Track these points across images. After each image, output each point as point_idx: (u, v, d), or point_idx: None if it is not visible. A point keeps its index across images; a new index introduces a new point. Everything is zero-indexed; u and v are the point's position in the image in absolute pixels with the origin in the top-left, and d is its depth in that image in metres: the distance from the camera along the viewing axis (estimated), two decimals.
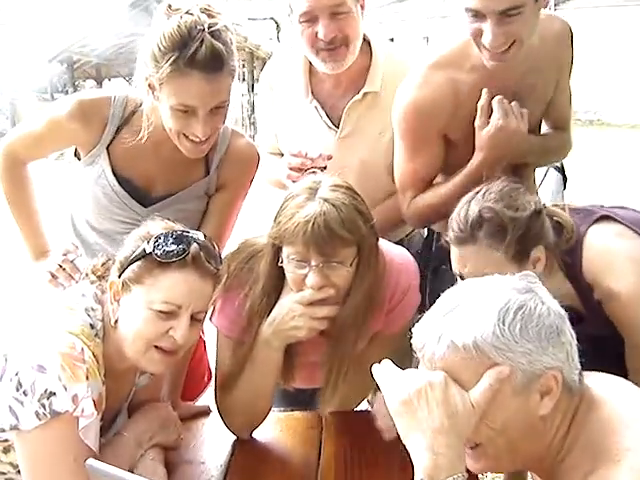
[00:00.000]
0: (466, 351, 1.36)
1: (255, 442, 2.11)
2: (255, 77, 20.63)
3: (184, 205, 2.29)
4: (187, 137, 2.10)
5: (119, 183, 2.25)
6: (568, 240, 2.04)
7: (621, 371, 1.97)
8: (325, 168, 2.30)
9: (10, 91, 26.88)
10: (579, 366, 1.42)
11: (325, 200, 1.80)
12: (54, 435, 1.63)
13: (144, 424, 1.95)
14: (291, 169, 2.34)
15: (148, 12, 15.88)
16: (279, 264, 1.87)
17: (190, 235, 1.82)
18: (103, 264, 1.92)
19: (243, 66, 21.71)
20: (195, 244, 1.80)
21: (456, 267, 2.00)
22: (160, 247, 1.76)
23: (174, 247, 1.77)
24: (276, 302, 1.94)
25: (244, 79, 21.61)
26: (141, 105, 2.21)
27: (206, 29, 1.96)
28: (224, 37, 2.01)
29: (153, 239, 1.78)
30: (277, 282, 1.94)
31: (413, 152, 2.32)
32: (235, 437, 2.11)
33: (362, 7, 2.45)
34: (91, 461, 1.29)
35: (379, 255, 1.95)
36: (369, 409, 2.23)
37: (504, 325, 1.35)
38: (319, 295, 1.85)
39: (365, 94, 2.52)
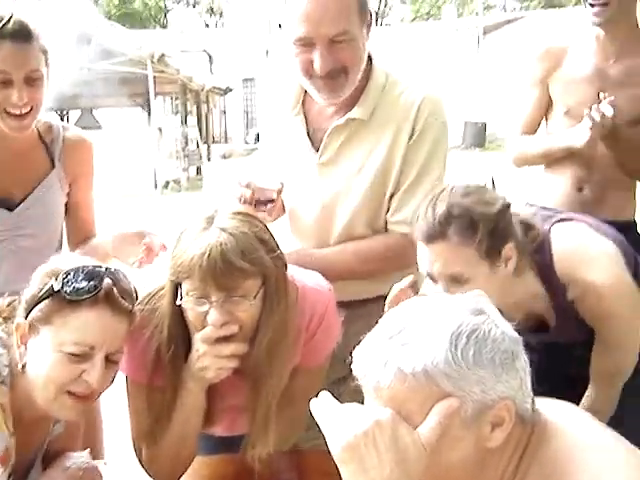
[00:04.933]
0: (415, 379, 1.23)
1: None
2: (188, 109, 20.57)
3: (46, 200, 2.41)
4: (9, 114, 2.22)
5: None
6: (534, 239, 2.00)
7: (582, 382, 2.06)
8: (272, 202, 2.21)
9: None
10: (532, 394, 1.32)
11: (222, 230, 1.67)
12: None
13: (59, 477, 1.81)
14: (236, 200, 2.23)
15: None
16: (177, 303, 1.74)
17: (102, 270, 1.69)
18: (9, 304, 1.78)
19: (176, 98, 21.71)
20: (107, 279, 1.68)
21: (425, 266, 1.93)
22: (69, 284, 1.64)
23: (85, 284, 1.64)
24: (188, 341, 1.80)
25: (177, 112, 21.55)
26: None
27: (14, 14, 2.19)
28: (32, 24, 2.22)
29: (61, 275, 1.66)
30: (183, 321, 1.79)
31: None
32: None
33: (369, 27, 2.18)
34: None
35: (288, 285, 1.83)
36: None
37: (456, 350, 1.23)
38: (222, 332, 1.71)
39: (349, 120, 2.24)
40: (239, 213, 1.75)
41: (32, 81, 2.20)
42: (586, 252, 2.02)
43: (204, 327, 1.72)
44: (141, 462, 1.94)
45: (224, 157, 24.63)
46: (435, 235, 1.87)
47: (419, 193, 2.20)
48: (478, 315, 1.30)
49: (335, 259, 2.25)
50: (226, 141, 30.76)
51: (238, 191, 2.21)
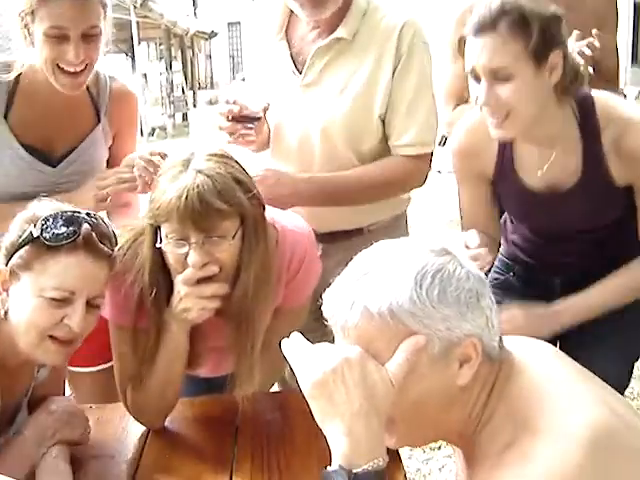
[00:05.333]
0: (381, 318, 1.25)
1: (167, 432, 2.00)
2: (172, 54, 20.32)
3: (90, 156, 2.34)
4: (62, 70, 2.13)
5: (24, 149, 2.25)
6: (580, 83, 2.01)
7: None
8: (258, 119, 2.23)
9: None
10: (499, 332, 1.34)
11: (198, 171, 1.67)
12: None
13: (45, 420, 1.82)
14: (222, 118, 2.26)
15: None
16: (157, 246, 1.75)
17: (81, 215, 1.69)
18: None
19: (160, 44, 21.41)
20: (86, 224, 1.67)
21: (471, 60, 1.92)
22: (48, 230, 1.64)
23: (64, 229, 1.64)
24: (169, 284, 1.82)
25: (161, 57, 21.29)
26: (24, 66, 2.22)
27: None
28: None
29: (40, 221, 1.65)
30: (164, 265, 1.81)
31: None
32: (145, 428, 2.00)
33: None
34: None
35: (266, 225, 1.84)
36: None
37: (421, 290, 1.25)
38: (202, 273, 1.73)
39: (333, 40, 2.27)
40: (215, 155, 1.74)
41: (89, 38, 2.11)
42: (626, 103, 2.05)
43: (185, 269, 1.73)
44: (126, 405, 1.97)
45: (210, 103, 24.38)
46: (485, 26, 1.87)
47: (420, 114, 2.27)
48: (443, 255, 1.31)
49: (347, 182, 2.29)
50: (212, 86, 30.47)
51: (224, 107, 2.23)
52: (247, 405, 2.04)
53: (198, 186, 1.65)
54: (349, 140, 2.29)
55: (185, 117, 20.80)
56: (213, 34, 27.21)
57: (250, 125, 2.24)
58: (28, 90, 2.24)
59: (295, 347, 1.33)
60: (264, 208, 1.83)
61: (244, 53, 33.11)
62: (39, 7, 2.06)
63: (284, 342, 1.34)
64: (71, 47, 2.07)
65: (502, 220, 2.37)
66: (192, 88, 22.84)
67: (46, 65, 2.14)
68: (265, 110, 2.27)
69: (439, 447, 3.46)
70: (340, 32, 2.25)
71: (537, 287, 2.29)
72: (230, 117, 2.24)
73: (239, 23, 32.62)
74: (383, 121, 2.29)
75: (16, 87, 2.24)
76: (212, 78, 32.23)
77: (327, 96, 2.28)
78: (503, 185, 2.17)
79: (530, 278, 2.37)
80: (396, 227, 2.47)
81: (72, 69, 2.12)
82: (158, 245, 1.74)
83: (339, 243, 2.31)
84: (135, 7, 17.95)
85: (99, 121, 2.37)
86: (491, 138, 2.00)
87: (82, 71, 2.15)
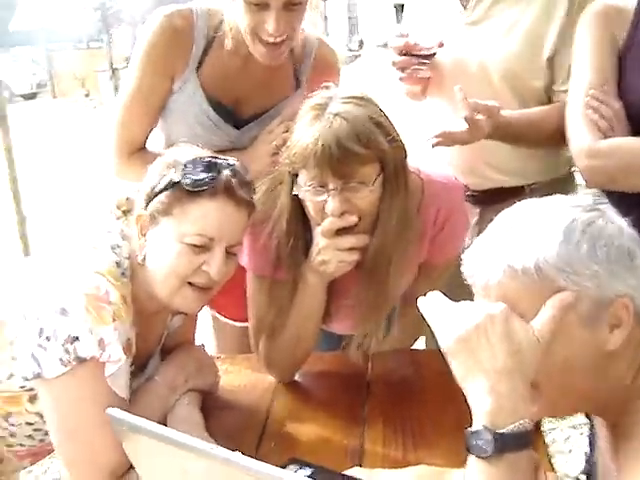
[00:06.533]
0: (526, 275, 1.17)
1: (297, 385, 1.99)
2: None
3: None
4: (261, 40, 2.00)
5: (211, 107, 2.16)
6: None
7: None
8: (433, 56, 2.12)
9: (45, 41, 27.01)
10: None
11: (335, 115, 1.60)
12: (80, 383, 1.52)
13: (178, 367, 1.83)
14: (395, 53, 2.13)
15: None
16: (293, 193, 1.70)
17: (221, 162, 1.66)
18: (127, 198, 1.77)
19: None
20: (226, 171, 1.64)
21: None
22: (189, 175, 1.61)
23: (204, 175, 1.61)
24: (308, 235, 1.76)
25: None
26: (223, 19, 2.11)
27: None
28: None
29: (180, 167, 1.63)
30: (303, 214, 1.75)
31: None
32: (276, 380, 1.98)
33: None
34: (112, 410, 1.16)
35: (409, 173, 1.75)
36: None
37: (569, 244, 1.16)
38: (341, 222, 1.67)
39: None
40: (354, 97, 1.67)
41: (292, 6, 1.95)
42: None
43: (324, 219, 1.68)
44: (259, 356, 1.95)
45: None
46: None
47: None
48: (592, 211, 1.22)
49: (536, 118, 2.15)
50: None
51: (399, 41, 2.12)
52: (378, 362, 2.00)
53: (335, 130, 1.59)
54: (512, 81, 2.15)
55: None
56: None
57: (424, 61, 2.14)
58: (226, 46, 2.12)
59: (435, 304, 1.26)
60: (406, 154, 1.74)
61: (361, 14, 32.85)
62: None
63: (421, 300, 1.27)
64: (272, 17, 1.93)
65: None
66: None
67: (245, 33, 2.02)
68: (440, 46, 2.13)
69: (563, 417, 3.34)
70: None
71: None
72: (404, 52, 2.13)
73: None
74: (550, 64, 2.13)
75: (213, 40, 2.13)
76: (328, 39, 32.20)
77: (494, 34, 2.15)
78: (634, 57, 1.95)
79: None
80: (561, 190, 2.27)
81: (272, 39, 1.99)
82: (295, 192, 1.70)
83: (496, 206, 2.16)
84: None
85: (298, 86, 2.23)
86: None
87: (282, 42, 2.01)
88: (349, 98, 1.66)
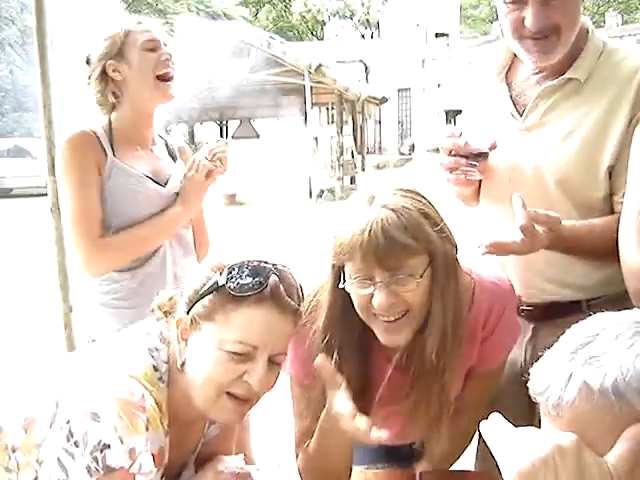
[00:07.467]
0: (603, 396, 1.05)
1: None
2: (344, 119, 20.70)
3: None
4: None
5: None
6: None
7: None
8: (484, 157, 2.04)
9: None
10: None
11: (383, 206, 1.55)
12: None
13: None
14: (444, 153, 2.06)
15: None
16: (339, 286, 1.63)
17: (269, 266, 1.60)
18: (170, 298, 1.72)
19: (332, 108, 21.90)
20: (274, 276, 1.58)
21: None
22: (234, 279, 1.56)
23: (249, 280, 1.56)
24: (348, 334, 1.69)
25: (333, 121, 21.72)
26: None
27: None
28: None
29: (226, 270, 1.57)
30: (344, 309, 1.67)
31: None
32: None
33: None
34: None
35: (459, 267, 1.67)
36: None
37: None
38: (388, 316, 1.60)
39: (563, 80, 2.07)
40: (401, 189, 1.62)
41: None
42: None
43: (369, 316, 1.62)
44: (299, 472, 1.83)
45: (378, 167, 24.66)
46: None
47: None
48: None
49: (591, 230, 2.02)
50: (380, 152, 30.84)
51: (449, 141, 2.05)
52: None
53: (382, 220, 1.53)
54: (571, 192, 2.06)
55: (353, 180, 21.06)
56: (384, 99, 27.49)
57: (474, 162, 2.06)
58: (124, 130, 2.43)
59: (496, 429, 1.15)
60: (457, 248, 1.67)
61: (413, 119, 33.45)
62: None
63: (483, 424, 1.16)
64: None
65: None
66: (360, 152, 23.16)
67: None
68: (493, 147, 2.06)
69: None
70: (573, 72, 2.05)
71: None
72: (454, 152, 2.06)
73: (409, 89, 33.05)
74: (610, 174, 2.03)
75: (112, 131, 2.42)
76: (380, 143, 32.65)
77: (550, 140, 2.07)
78: None
79: None
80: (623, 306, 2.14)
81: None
82: (341, 285, 1.62)
83: (551, 321, 2.03)
84: (310, 72, 18.49)
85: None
86: None
87: None
88: (397, 190, 1.62)
